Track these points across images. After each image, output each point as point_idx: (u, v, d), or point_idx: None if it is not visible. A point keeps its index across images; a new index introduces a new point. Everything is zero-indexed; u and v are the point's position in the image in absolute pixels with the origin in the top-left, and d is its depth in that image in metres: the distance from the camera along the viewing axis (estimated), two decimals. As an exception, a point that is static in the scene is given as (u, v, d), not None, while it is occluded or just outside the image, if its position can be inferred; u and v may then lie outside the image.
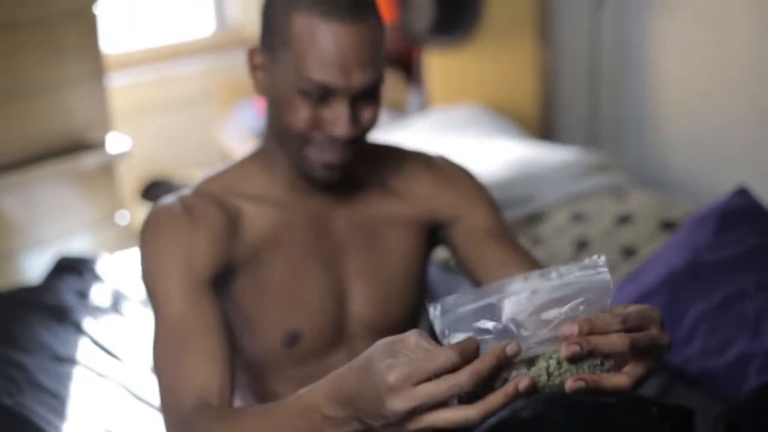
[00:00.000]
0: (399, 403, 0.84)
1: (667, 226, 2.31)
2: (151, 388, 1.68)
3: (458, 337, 0.87)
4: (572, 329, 0.85)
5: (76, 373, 1.64)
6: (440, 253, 2.11)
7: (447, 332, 0.87)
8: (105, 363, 1.70)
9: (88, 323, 1.76)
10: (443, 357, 0.83)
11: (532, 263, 1.37)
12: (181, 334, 1.21)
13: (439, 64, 3.44)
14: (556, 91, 3.34)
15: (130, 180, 3.42)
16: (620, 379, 0.87)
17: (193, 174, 3.53)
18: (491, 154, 2.72)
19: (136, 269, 1.97)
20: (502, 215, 1.47)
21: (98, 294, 1.88)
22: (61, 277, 1.89)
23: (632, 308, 0.89)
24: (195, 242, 1.26)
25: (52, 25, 2.20)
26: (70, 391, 1.58)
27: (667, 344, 0.91)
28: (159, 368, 1.22)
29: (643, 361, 0.88)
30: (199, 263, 1.26)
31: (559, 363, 0.86)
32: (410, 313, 1.42)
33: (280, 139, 1.30)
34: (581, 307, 0.87)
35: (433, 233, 1.45)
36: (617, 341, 0.85)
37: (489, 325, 0.87)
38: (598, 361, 0.87)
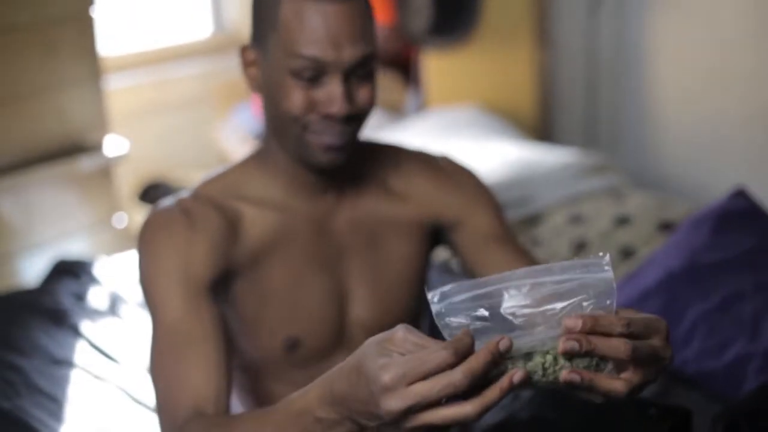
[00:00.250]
0: (394, 403, 0.83)
1: (666, 227, 2.31)
2: (148, 390, 1.67)
3: (454, 322, 0.86)
4: (576, 323, 0.84)
5: (74, 375, 1.63)
6: (440, 254, 2.11)
7: (444, 317, 0.86)
8: (102, 366, 1.70)
9: (85, 326, 1.76)
10: (437, 357, 0.82)
11: None
12: (178, 341, 1.20)
13: (437, 65, 3.44)
14: (554, 92, 3.34)
15: (127, 182, 3.42)
16: (616, 383, 0.86)
17: (191, 176, 3.52)
18: (489, 155, 2.72)
19: (133, 272, 1.96)
20: (506, 217, 1.46)
21: (96, 297, 1.88)
22: (59, 280, 1.89)
23: (639, 315, 0.88)
24: (193, 247, 1.25)
25: (50, 28, 2.20)
26: (67, 394, 1.58)
27: (669, 357, 0.90)
28: (155, 375, 1.21)
29: (642, 370, 0.87)
30: (197, 268, 1.25)
31: (555, 359, 0.85)
32: (411, 315, 1.42)
33: (279, 131, 1.28)
34: (584, 304, 0.86)
35: (436, 235, 1.44)
36: (619, 346, 0.84)
37: (486, 313, 0.86)
38: (595, 362, 0.86)
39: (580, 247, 2.33)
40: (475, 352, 0.83)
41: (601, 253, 0.88)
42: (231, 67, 3.56)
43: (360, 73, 1.23)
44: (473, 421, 0.84)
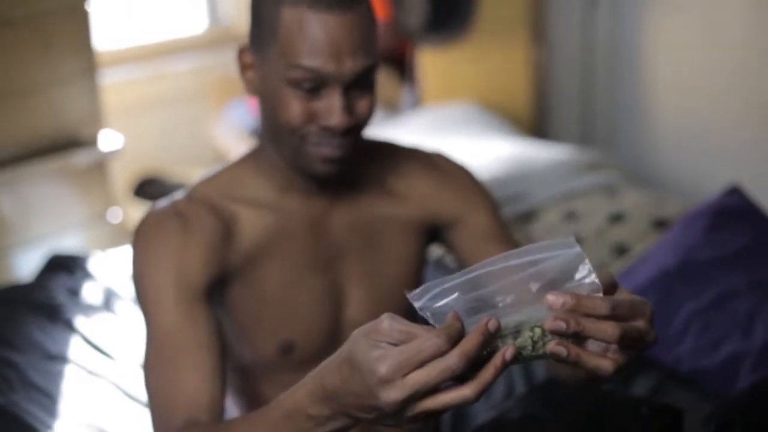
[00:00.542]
0: (394, 394, 0.83)
1: (660, 224, 2.31)
2: (142, 386, 1.67)
3: (440, 309, 0.86)
4: (557, 299, 0.84)
5: (68, 371, 1.63)
6: (433, 251, 2.11)
7: (427, 310, 0.87)
8: (97, 361, 1.69)
9: (79, 321, 1.76)
10: (431, 345, 0.83)
11: None
12: (172, 348, 1.19)
13: (432, 61, 3.44)
14: (550, 89, 3.34)
15: (122, 177, 3.41)
16: (604, 361, 0.86)
17: (185, 171, 3.52)
18: (484, 152, 2.72)
19: (128, 267, 1.96)
20: (502, 216, 1.46)
21: (90, 292, 1.88)
22: (53, 275, 1.89)
23: (625, 297, 0.88)
24: (188, 252, 1.24)
25: (45, 23, 2.19)
26: (61, 390, 1.58)
27: (653, 340, 0.90)
28: (149, 383, 1.20)
29: (626, 352, 0.88)
30: (192, 274, 1.23)
31: (543, 333, 0.86)
32: (406, 316, 1.41)
33: (276, 138, 1.27)
34: (566, 285, 0.87)
35: (431, 233, 1.44)
36: (608, 330, 0.85)
37: (468, 297, 0.86)
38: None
39: (574, 245, 2.33)
40: (466, 338, 0.83)
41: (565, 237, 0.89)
42: (226, 62, 3.57)
43: (360, 84, 1.22)
44: (472, 403, 0.85)
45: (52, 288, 1.83)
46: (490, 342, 0.85)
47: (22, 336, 1.65)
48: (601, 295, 0.87)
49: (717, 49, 2.87)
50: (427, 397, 0.84)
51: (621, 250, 2.26)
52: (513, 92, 3.33)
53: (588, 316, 0.85)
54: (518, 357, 0.86)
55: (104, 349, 1.74)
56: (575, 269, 0.87)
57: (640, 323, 0.88)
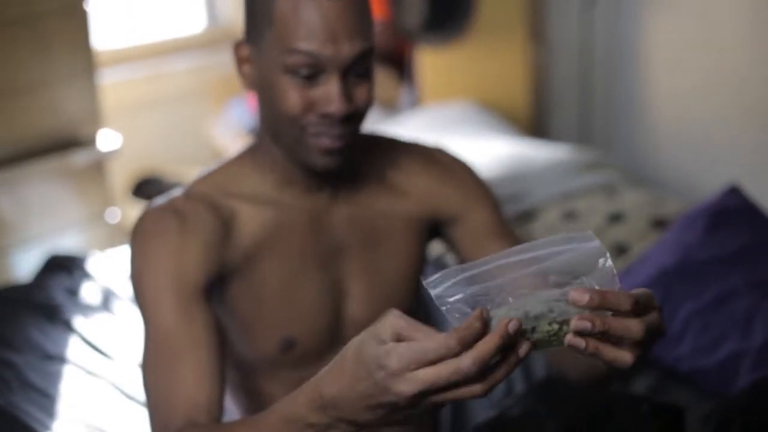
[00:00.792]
0: (405, 387, 0.83)
1: (659, 224, 2.31)
2: (141, 386, 1.67)
3: (455, 303, 0.85)
4: (582, 296, 0.83)
5: (67, 371, 1.63)
6: (434, 248, 2.11)
7: (444, 298, 0.86)
8: (95, 361, 1.69)
9: (78, 321, 1.75)
10: (441, 346, 0.82)
11: None
12: (171, 348, 1.18)
13: (431, 61, 3.44)
14: (548, 89, 3.34)
15: (121, 177, 3.41)
16: (623, 354, 0.85)
17: (184, 171, 3.52)
18: (483, 151, 2.72)
19: (126, 267, 1.96)
20: (503, 211, 1.45)
21: (88, 292, 1.87)
22: (52, 275, 1.88)
23: (639, 292, 0.87)
24: (186, 251, 1.23)
25: (43, 22, 2.19)
26: (60, 390, 1.57)
27: (665, 332, 0.90)
28: (147, 383, 1.20)
29: (644, 344, 0.87)
30: (190, 273, 1.22)
31: (560, 327, 0.85)
32: (407, 311, 1.41)
33: (275, 132, 1.26)
34: (583, 279, 0.86)
35: (433, 230, 1.43)
36: (633, 327, 0.84)
37: (484, 286, 0.85)
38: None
39: (573, 244, 2.33)
40: (484, 341, 0.82)
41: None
42: (225, 61, 3.56)
43: (358, 71, 1.21)
44: (481, 398, 0.84)
45: (50, 288, 1.82)
46: (508, 345, 0.83)
47: (20, 336, 1.65)
48: (618, 284, 0.86)
49: (715, 49, 2.87)
50: (438, 393, 0.84)
51: (620, 250, 2.26)
52: (512, 92, 3.33)
53: (611, 310, 0.84)
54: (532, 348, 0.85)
55: (103, 350, 1.73)
56: (595, 263, 0.86)
57: (654, 315, 0.87)
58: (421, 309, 1.51)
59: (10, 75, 2.16)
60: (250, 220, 1.29)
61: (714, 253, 1.89)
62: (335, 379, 0.88)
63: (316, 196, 1.33)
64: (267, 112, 1.26)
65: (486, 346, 0.82)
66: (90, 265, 1.95)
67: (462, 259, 1.41)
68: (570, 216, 2.44)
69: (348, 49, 1.18)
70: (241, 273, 1.29)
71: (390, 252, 1.37)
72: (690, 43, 2.94)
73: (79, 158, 2.30)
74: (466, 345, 0.82)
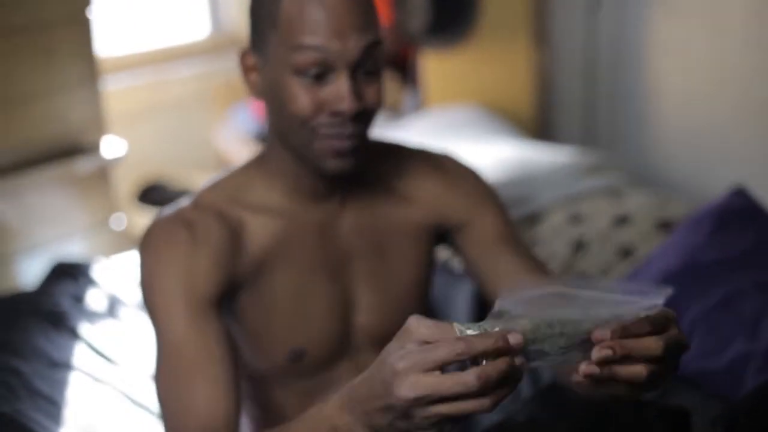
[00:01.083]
0: (405, 389, 0.82)
1: (665, 226, 2.31)
2: (148, 392, 1.67)
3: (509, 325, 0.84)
4: (604, 334, 0.83)
5: (73, 378, 1.63)
6: (440, 254, 2.10)
7: (498, 315, 0.85)
8: (102, 368, 1.69)
9: (84, 328, 1.76)
10: (451, 353, 0.81)
11: (542, 271, 1.33)
12: (184, 362, 1.17)
13: (435, 64, 3.44)
14: (553, 92, 3.34)
15: (125, 184, 3.41)
16: (636, 368, 0.84)
17: (189, 177, 3.52)
18: (488, 155, 2.72)
19: (132, 273, 1.96)
20: (511, 219, 1.44)
21: (94, 299, 1.87)
22: (57, 282, 1.89)
23: (654, 313, 0.87)
24: (196, 262, 1.22)
25: (46, 30, 2.19)
26: (66, 397, 1.57)
27: (686, 343, 0.89)
28: (162, 397, 1.19)
29: (669, 361, 0.86)
30: (201, 284, 1.21)
31: (567, 349, 0.84)
32: None
33: (285, 137, 1.25)
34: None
35: (440, 237, 1.42)
36: (653, 345, 0.84)
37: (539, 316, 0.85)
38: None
39: (579, 247, 2.33)
40: (494, 362, 0.81)
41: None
42: (229, 67, 3.56)
43: (367, 68, 1.20)
44: (486, 413, 0.84)
45: (56, 295, 1.82)
46: (516, 371, 0.83)
47: (26, 344, 1.65)
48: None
49: (720, 51, 2.86)
50: (442, 402, 0.83)
51: (626, 252, 2.26)
52: (516, 95, 3.32)
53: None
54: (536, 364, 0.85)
55: (109, 356, 1.73)
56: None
57: (674, 331, 0.87)
58: (430, 316, 1.51)
59: (14, 83, 2.16)
60: (259, 231, 1.28)
61: (720, 255, 1.88)
62: (367, 382, 0.88)
63: (325, 205, 1.32)
64: (276, 118, 1.25)
65: (494, 367, 0.81)
66: (95, 272, 1.96)
67: (469, 266, 1.41)
68: (575, 219, 2.44)
69: (355, 43, 1.17)
70: (250, 284, 1.28)
71: (398, 259, 1.37)
72: (695, 45, 2.93)
73: (83, 165, 2.30)
74: (476, 352, 0.81)
